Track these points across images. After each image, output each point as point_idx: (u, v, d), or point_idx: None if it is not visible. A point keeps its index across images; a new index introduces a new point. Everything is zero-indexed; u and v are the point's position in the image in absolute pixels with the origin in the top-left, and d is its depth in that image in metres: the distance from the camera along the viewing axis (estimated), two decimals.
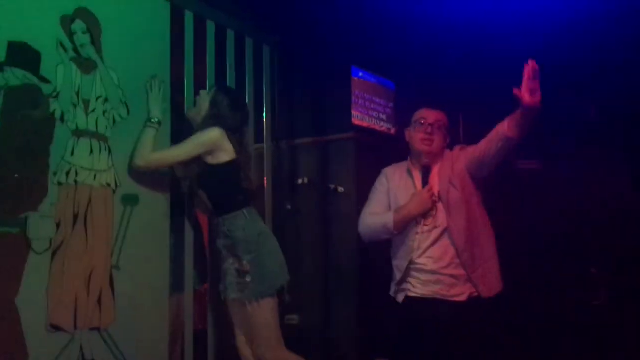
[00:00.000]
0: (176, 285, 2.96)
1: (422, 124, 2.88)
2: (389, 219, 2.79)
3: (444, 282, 2.70)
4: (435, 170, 2.86)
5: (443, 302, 2.68)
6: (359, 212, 3.39)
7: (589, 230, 3.79)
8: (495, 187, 3.52)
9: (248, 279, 2.65)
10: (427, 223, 2.77)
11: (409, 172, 2.94)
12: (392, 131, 3.77)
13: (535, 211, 3.95)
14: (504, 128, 2.68)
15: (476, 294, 2.70)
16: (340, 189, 3.45)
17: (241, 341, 2.81)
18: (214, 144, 2.68)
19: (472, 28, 3.71)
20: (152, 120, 2.70)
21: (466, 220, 2.73)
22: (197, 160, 2.70)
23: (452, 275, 2.70)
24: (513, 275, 3.47)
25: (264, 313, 2.66)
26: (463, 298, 2.68)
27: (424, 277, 2.73)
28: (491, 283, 2.74)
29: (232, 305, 2.78)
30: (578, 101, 3.91)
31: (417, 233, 2.77)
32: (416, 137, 2.90)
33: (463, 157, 2.83)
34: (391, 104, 3.79)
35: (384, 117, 3.73)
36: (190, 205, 2.94)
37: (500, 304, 2.84)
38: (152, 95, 2.74)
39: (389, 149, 3.74)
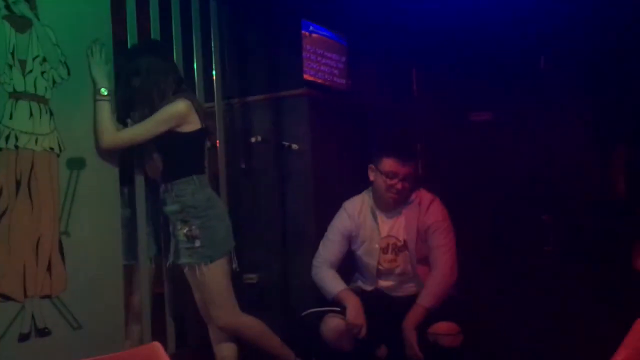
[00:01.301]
0: (130, 250, 2.91)
1: (391, 176, 2.86)
2: (333, 292, 2.85)
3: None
4: (402, 216, 2.93)
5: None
6: (313, 169, 3.38)
7: (541, 179, 3.87)
8: (448, 139, 3.57)
9: (197, 243, 2.63)
10: (384, 265, 2.94)
11: (373, 215, 2.96)
12: (345, 86, 3.73)
13: (489, 162, 4.01)
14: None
15: None
16: (294, 146, 3.41)
17: (200, 305, 2.78)
18: (181, 118, 2.63)
19: None
20: (103, 93, 2.58)
21: (425, 263, 2.93)
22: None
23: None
24: (468, 224, 3.54)
25: (216, 277, 2.65)
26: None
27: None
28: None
29: (186, 272, 2.74)
30: (527, 50, 3.93)
31: (378, 268, 2.95)
32: (382, 185, 2.90)
33: (428, 221, 2.90)
34: (344, 59, 3.74)
35: (336, 72, 3.68)
36: (140, 166, 2.86)
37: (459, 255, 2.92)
38: (95, 62, 2.60)
39: (342, 105, 3.72)
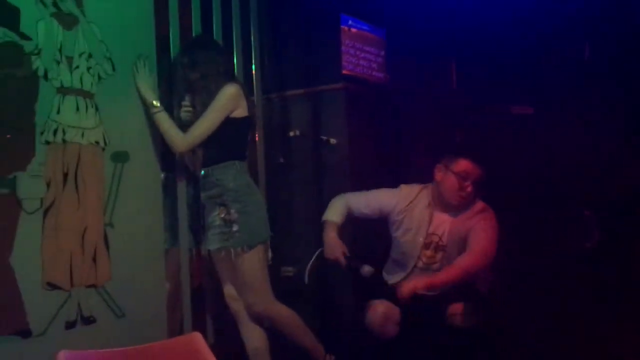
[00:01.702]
0: (171, 241, 2.98)
1: (464, 177, 2.86)
2: (324, 217, 2.97)
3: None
4: (457, 219, 2.92)
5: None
6: (350, 163, 3.39)
7: (583, 174, 3.79)
8: (489, 133, 3.53)
9: (234, 228, 2.63)
10: (423, 260, 2.93)
11: (429, 209, 2.95)
12: (383, 80, 3.73)
13: (530, 156, 3.95)
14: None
15: None
16: (333, 141, 3.42)
17: (229, 295, 2.80)
18: (235, 100, 2.66)
19: None
20: (156, 105, 2.65)
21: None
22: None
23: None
24: (508, 219, 3.50)
25: (252, 263, 2.65)
26: None
27: None
28: None
29: (218, 258, 2.75)
30: (571, 41, 3.84)
31: (416, 263, 2.95)
32: (451, 186, 2.89)
33: (471, 224, 2.88)
34: (382, 53, 3.74)
35: (375, 66, 3.68)
36: (181, 160, 2.92)
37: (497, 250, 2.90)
38: (141, 77, 2.68)
39: (381, 99, 3.72)
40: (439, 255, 2.93)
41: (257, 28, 3.45)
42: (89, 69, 2.52)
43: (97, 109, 2.53)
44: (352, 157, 3.43)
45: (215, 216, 2.67)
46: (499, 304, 3.03)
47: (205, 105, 2.64)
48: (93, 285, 2.48)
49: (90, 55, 2.53)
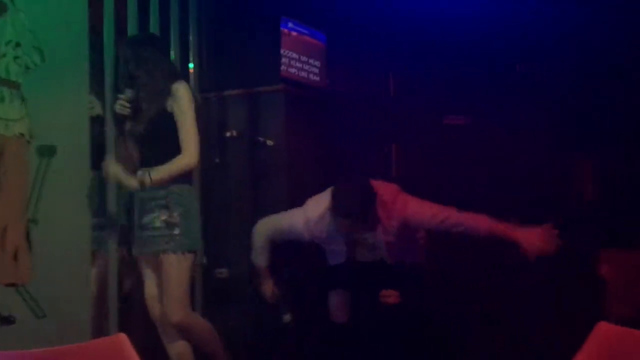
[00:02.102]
0: (98, 242, 2.89)
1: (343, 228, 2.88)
2: (255, 260, 3.01)
3: None
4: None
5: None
6: (287, 165, 3.39)
7: (511, 183, 3.92)
8: (423, 141, 3.60)
9: (176, 231, 2.58)
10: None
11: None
12: (323, 84, 3.75)
13: (463, 164, 4.05)
14: None
15: None
16: (270, 142, 3.41)
17: (152, 297, 2.70)
18: (192, 95, 2.64)
19: None
20: (149, 179, 2.59)
21: None
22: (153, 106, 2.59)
23: None
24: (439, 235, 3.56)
25: (183, 269, 2.60)
26: None
27: None
28: None
29: (145, 262, 2.68)
30: (505, 54, 3.98)
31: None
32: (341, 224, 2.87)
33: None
34: (322, 57, 3.76)
35: (314, 69, 3.69)
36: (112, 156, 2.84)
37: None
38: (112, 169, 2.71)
39: (319, 102, 3.74)
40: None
41: (195, 25, 3.41)
42: (15, 58, 2.41)
43: (23, 100, 2.43)
44: (289, 159, 3.43)
45: (155, 218, 2.59)
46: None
47: (150, 103, 2.58)
48: (13, 284, 2.37)
49: (17, 44, 2.42)
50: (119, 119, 2.63)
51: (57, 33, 2.57)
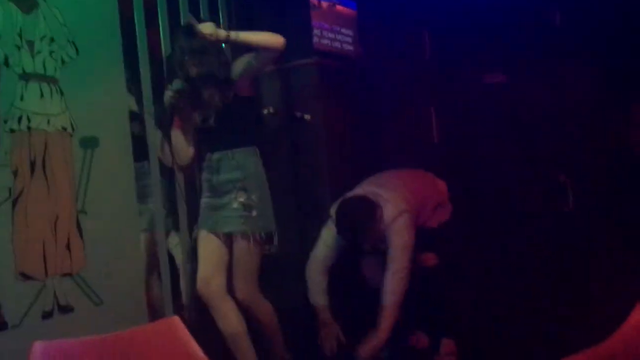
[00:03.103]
0: (147, 225, 2.95)
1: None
2: (315, 302, 3.01)
3: None
4: None
5: None
6: (326, 139, 3.38)
7: (557, 138, 3.81)
8: (461, 101, 3.52)
9: (254, 213, 2.63)
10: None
11: None
12: (356, 54, 3.68)
13: (504, 123, 3.96)
14: None
15: None
16: (307, 117, 3.39)
17: (205, 278, 2.70)
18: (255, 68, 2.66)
19: None
20: None
21: None
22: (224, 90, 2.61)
23: None
24: (487, 183, 3.50)
25: (257, 249, 2.66)
26: None
27: None
28: None
29: (207, 242, 2.71)
30: (541, 6, 3.83)
31: None
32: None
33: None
34: (354, 26, 3.69)
35: (347, 39, 3.63)
36: (152, 143, 2.88)
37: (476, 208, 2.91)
38: None
39: (354, 73, 3.68)
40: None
41: (224, 1, 3.38)
42: (51, 53, 2.45)
43: (62, 94, 2.47)
44: (327, 133, 3.40)
45: (233, 199, 2.64)
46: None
47: (214, 91, 2.57)
48: (68, 274, 2.45)
49: (52, 39, 2.46)
50: (168, 110, 2.64)
51: (89, 25, 2.59)
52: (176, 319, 2.12)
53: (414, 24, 4.11)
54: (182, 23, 2.95)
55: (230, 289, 2.71)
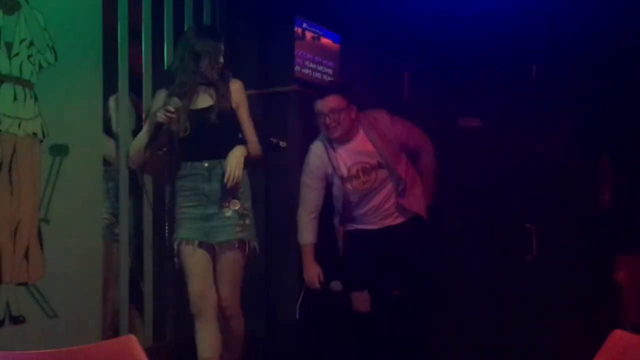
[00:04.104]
0: (110, 239, 2.88)
1: (319, 115, 3.06)
2: (300, 241, 3.13)
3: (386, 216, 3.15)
4: (360, 135, 3.14)
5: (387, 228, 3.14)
6: (300, 166, 3.38)
7: (527, 187, 3.88)
8: (436, 143, 3.56)
9: (247, 221, 2.69)
10: (364, 187, 3.09)
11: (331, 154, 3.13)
12: (336, 85, 3.70)
13: (475, 168, 4.01)
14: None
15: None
16: (282, 143, 3.39)
17: (200, 293, 2.68)
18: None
19: None
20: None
21: (400, 170, 3.15)
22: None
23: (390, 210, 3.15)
24: (452, 228, 3.53)
25: (243, 259, 2.71)
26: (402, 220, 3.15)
27: (369, 219, 3.16)
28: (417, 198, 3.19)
29: (197, 255, 2.69)
30: (520, 59, 3.94)
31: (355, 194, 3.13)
32: (320, 126, 3.09)
33: (394, 133, 3.17)
34: (336, 57, 3.72)
35: (328, 70, 3.66)
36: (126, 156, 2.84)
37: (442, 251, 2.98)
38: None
39: None
40: (374, 174, 3.09)
41: (210, 23, 3.38)
42: (29, 57, 2.40)
43: (36, 99, 2.42)
44: (302, 160, 3.39)
45: (223, 209, 2.66)
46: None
47: (219, 100, 2.70)
48: (24, 283, 2.37)
49: (31, 43, 2.42)
50: (160, 128, 2.68)
51: (71, 31, 2.56)
52: (132, 338, 2.06)
53: (396, 64, 4.17)
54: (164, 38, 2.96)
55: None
